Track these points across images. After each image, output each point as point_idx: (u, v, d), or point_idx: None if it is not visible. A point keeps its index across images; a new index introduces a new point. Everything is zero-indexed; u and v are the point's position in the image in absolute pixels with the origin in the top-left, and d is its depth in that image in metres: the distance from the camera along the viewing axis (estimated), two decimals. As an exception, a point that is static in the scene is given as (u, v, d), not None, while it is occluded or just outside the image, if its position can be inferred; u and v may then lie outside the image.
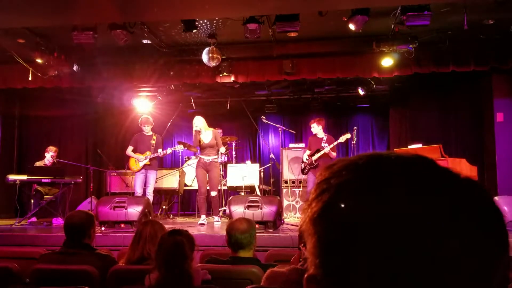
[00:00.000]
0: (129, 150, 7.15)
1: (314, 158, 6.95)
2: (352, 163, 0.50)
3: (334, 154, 6.92)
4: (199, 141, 6.68)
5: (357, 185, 0.48)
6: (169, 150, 7.43)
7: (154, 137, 7.24)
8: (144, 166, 7.07)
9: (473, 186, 0.48)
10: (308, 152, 7.16)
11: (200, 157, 6.76)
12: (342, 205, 0.47)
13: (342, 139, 7.01)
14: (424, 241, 0.43)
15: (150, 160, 7.08)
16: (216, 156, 6.73)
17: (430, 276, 0.42)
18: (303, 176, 7.52)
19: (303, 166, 7.19)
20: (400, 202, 0.45)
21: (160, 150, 7.12)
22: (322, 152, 6.88)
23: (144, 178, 7.09)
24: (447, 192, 0.46)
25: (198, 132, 6.64)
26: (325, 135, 7.13)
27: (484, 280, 0.44)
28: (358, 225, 0.45)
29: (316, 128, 7.12)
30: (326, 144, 6.92)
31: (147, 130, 7.25)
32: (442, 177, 0.48)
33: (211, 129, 6.80)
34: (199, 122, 6.68)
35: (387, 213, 0.44)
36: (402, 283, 0.43)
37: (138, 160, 7.08)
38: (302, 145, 8.43)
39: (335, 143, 7.01)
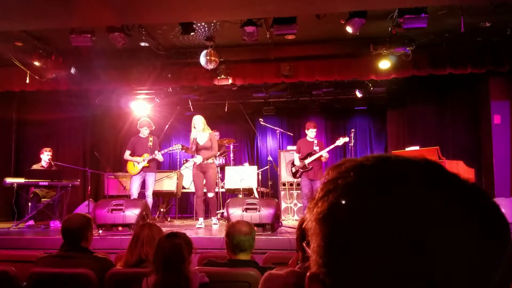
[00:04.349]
0: (127, 154, 7.09)
1: (307, 162, 6.94)
2: (359, 164, 0.51)
3: (326, 156, 6.93)
4: (195, 143, 6.51)
5: (364, 186, 0.48)
6: (166, 151, 7.40)
7: (151, 139, 7.18)
8: (143, 169, 7.03)
9: (479, 191, 0.48)
10: (297, 155, 7.12)
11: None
12: (349, 206, 0.47)
13: (340, 142, 7.01)
14: (431, 242, 0.43)
15: (149, 161, 7.02)
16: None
17: (433, 276, 0.43)
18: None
19: (294, 170, 7.17)
20: (408, 205, 0.45)
21: (156, 152, 7.05)
22: (317, 155, 6.88)
23: (141, 181, 7.06)
24: (456, 196, 0.47)
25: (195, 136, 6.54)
26: (315, 139, 7.13)
27: (485, 280, 0.44)
28: (364, 226, 0.45)
29: (314, 133, 7.10)
30: (317, 148, 6.91)
31: (146, 133, 7.17)
32: (450, 181, 0.48)
33: (208, 131, 6.62)
34: (198, 122, 6.52)
35: (394, 215, 0.45)
36: (406, 283, 0.43)
37: (136, 163, 7.04)
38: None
39: (332, 146, 7.03)
